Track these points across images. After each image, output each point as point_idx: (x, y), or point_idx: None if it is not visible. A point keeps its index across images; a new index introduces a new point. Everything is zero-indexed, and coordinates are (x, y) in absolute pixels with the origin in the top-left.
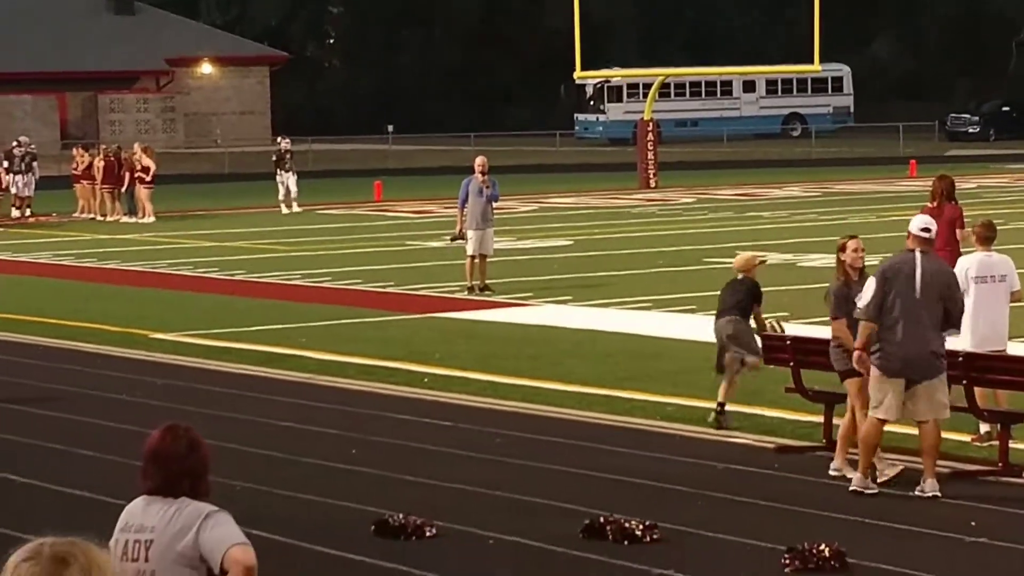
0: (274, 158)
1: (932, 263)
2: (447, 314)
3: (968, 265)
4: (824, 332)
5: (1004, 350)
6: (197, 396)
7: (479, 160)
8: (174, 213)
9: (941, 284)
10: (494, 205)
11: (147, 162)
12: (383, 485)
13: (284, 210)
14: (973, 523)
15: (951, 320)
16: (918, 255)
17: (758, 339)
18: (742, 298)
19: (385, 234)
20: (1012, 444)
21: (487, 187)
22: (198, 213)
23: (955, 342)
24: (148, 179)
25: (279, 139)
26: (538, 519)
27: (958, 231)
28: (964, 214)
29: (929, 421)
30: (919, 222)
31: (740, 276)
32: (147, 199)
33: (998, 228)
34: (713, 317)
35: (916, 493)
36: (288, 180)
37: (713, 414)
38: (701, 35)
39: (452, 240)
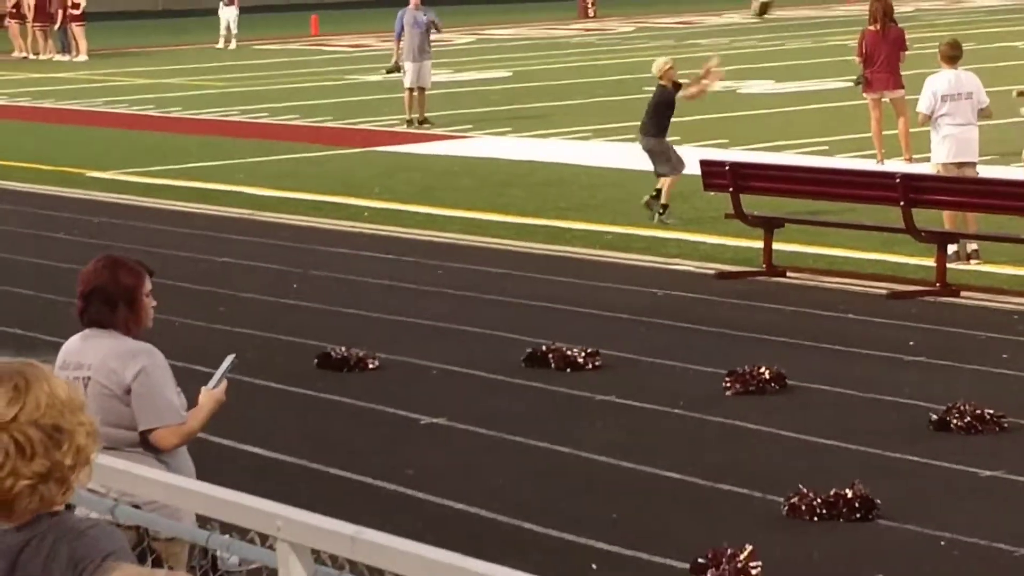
0: None
1: None
2: (386, 148)
3: (936, 83)
4: (762, 157)
5: (975, 163)
6: (135, 234)
7: None
8: (108, 51)
9: None
10: (432, 37)
11: None
12: (325, 319)
13: (221, 45)
14: (912, 343)
15: None
16: None
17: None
18: (651, 108)
19: (322, 68)
20: (949, 265)
21: (429, 21)
22: (132, 51)
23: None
24: (79, 15)
25: None
26: (480, 349)
27: (901, 52)
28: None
29: None
30: None
31: (660, 83)
32: (80, 36)
33: (937, 51)
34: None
35: None
36: (229, 15)
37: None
38: None
39: (388, 72)
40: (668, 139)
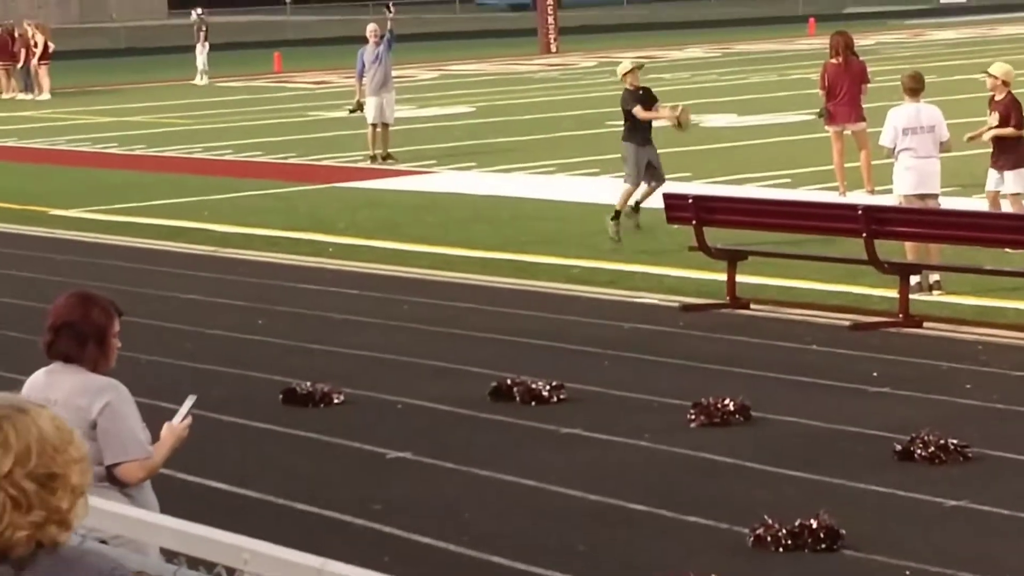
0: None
1: None
2: (350, 183)
3: (897, 117)
4: (725, 190)
5: (937, 194)
6: (100, 271)
7: (370, 28)
8: (71, 89)
9: None
10: (389, 63)
11: (40, 38)
12: (290, 354)
13: (202, 81)
14: (875, 374)
15: None
16: None
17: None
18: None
19: (286, 105)
20: (912, 296)
21: (378, 43)
22: (95, 89)
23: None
24: (42, 55)
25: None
26: (446, 383)
27: (863, 85)
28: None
29: None
30: None
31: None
32: (44, 75)
33: (899, 84)
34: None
35: None
36: (197, 52)
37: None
38: None
39: (352, 112)
40: (636, 145)
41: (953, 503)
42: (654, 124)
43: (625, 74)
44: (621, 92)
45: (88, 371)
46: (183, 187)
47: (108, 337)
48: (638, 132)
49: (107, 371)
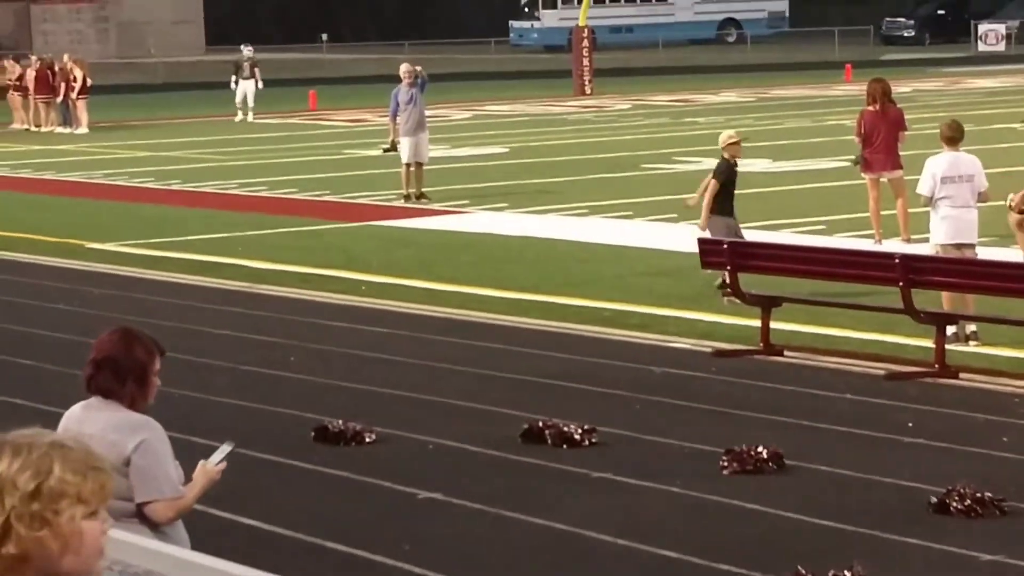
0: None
1: None
2: (384, 222)
3: (936, 165)
4: (760, 236)
5: (974, 244)
6: (134, 305)
7: (404, 68)
8: (108, 124)
9: None
10: (423, 103)
11: (79, 73)
12: (322, 392)
13: (240, 118)
14: (910, 424)
15: None
16: None
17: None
18: (709, 179)
19: (321, 143)
20: (948, 346)
21: (412, 83)
22: (133, 124)
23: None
24: (80, 89)
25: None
26: (477, 424)
27: (901, 133)
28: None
29: None
30: None
31: (723, 155)
32: (82, 109)
33: (937, 132)
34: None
35: None
36: (247, 88)
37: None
38: None
39: (386, 151)
40: (728, 216)
41: (989, 557)
42: (735, 192)
43: (732, 144)
44: (719, 161)
45: (125, 407)
46: (217, 223)
47: (148, 375)
48: (728, 202)
49: (144, 409)
